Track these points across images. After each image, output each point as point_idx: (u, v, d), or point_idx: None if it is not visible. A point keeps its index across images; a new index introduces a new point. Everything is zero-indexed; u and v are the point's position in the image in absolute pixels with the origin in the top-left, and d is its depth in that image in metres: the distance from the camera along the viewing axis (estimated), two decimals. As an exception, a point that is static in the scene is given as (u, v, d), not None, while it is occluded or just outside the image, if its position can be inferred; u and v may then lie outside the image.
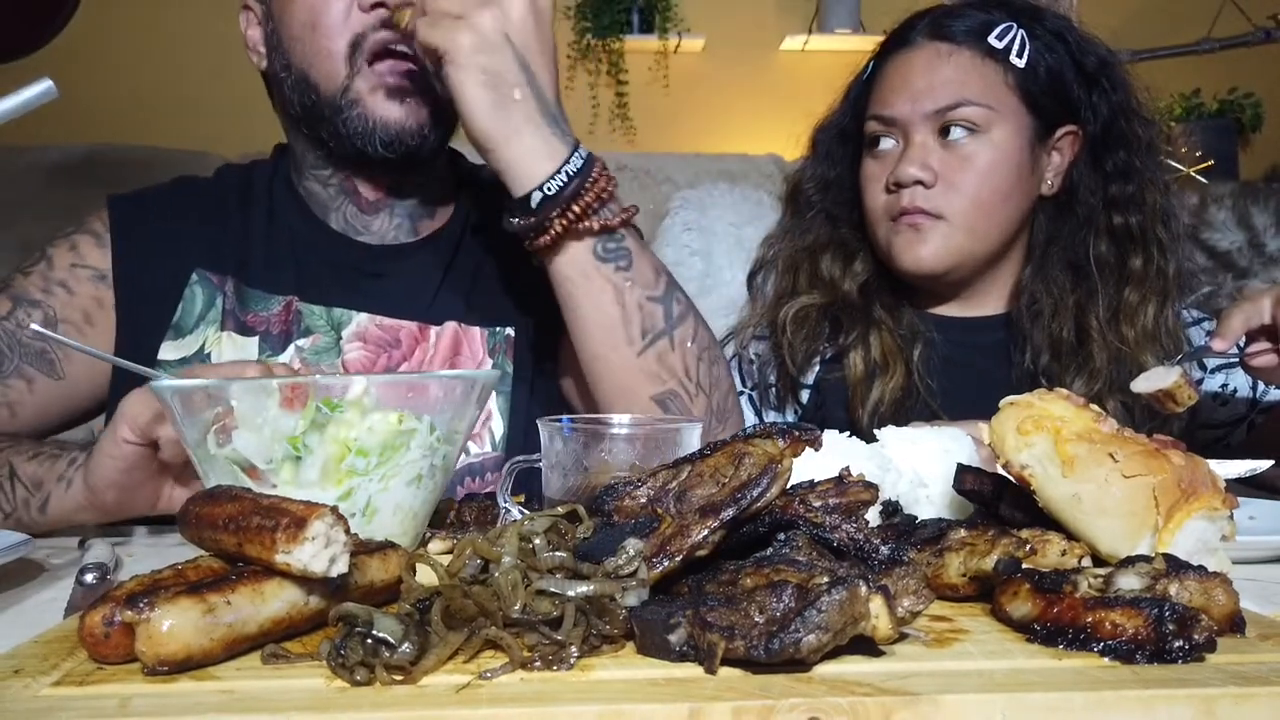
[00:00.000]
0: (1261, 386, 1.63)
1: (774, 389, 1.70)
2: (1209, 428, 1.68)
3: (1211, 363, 1.65)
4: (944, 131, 1.58)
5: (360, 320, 1.41)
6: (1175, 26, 4.91)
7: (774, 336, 1.70)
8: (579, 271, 1.22)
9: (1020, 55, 1.61)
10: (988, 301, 1.70)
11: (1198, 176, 4.95)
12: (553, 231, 1.18)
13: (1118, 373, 1.56)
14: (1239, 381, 1.64)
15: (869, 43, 1.81)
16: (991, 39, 1.62)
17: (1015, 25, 1.61)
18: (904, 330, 1.65)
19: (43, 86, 1.11)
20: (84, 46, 4.39)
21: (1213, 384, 1.66)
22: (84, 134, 3.71)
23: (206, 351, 1.38)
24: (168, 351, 1.38)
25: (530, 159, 1.18)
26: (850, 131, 1.76)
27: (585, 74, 5.28)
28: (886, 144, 1.62)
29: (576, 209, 1.18)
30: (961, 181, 1.56)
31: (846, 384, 1.63)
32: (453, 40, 1.15)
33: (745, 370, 1.74)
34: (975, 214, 1.57)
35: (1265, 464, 1.23)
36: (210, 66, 4.75)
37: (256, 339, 1.39)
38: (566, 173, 1.17)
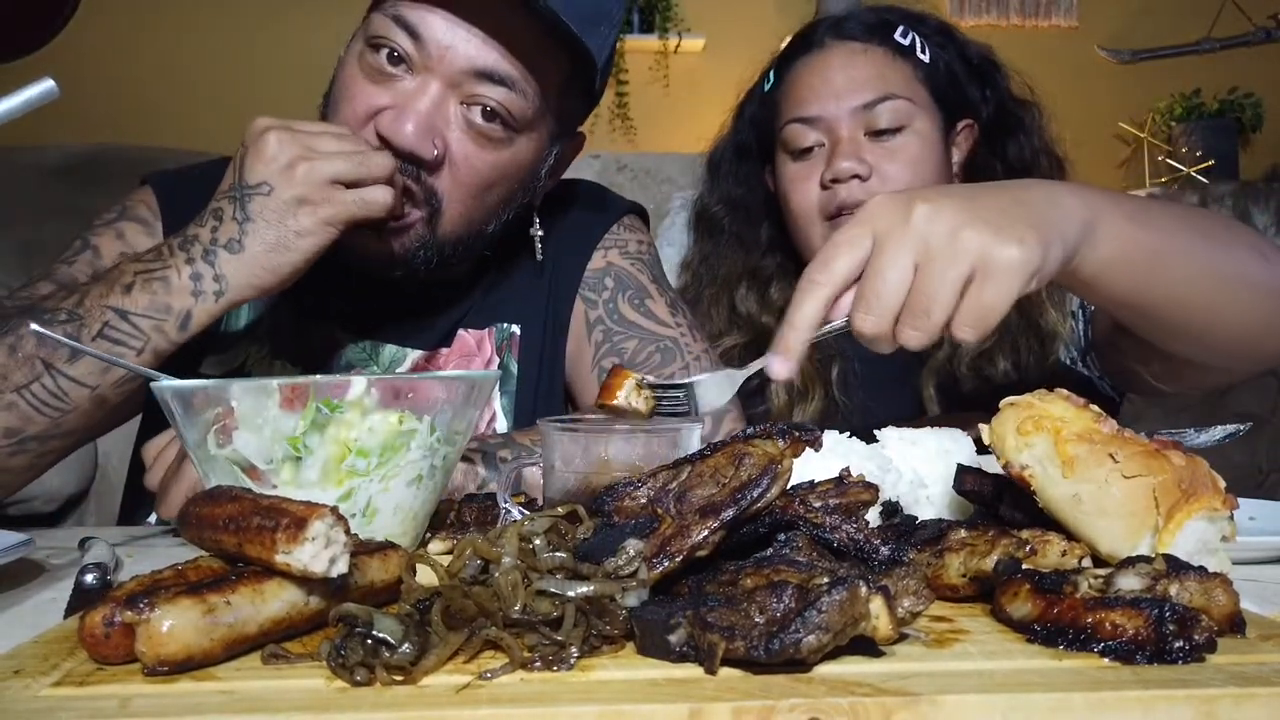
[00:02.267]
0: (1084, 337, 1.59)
1: None
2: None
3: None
4: (870, 126, 1.59)
5: (414, 358, 1.44)
6: (1175, 26, 4.91)
7: None
8: None
9: (924, 52, 1.65)
10: None
11: (1198, 176, 4.95)
12: None
13: (1020, 324, 1.58)
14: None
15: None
16: (897, 36, 1.65)
17: (908, 26, 1.66)
18: (820, 354, 1.68)
19: (43, 87, 1.11)
20: (84, 46, 4.40)
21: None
22: (84, 134, 3.70)
23: (248, 370, 1.39)
24: (209, 367, 1.39)
25: None
26: (750, 147, 1.78)
27: (586, 74, 5.28)
28: (810, 143, 1.63)
29: None
30: (895, 174, 1.58)
31: (771, 415, 1.67)
32: None
33: None
34: None
35: (1244, 427, 1.22)
36: (210, 67, 4.74)
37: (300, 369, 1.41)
38: None
